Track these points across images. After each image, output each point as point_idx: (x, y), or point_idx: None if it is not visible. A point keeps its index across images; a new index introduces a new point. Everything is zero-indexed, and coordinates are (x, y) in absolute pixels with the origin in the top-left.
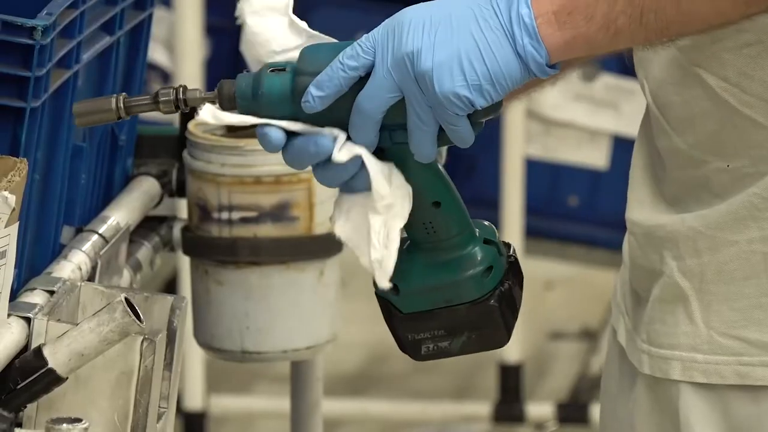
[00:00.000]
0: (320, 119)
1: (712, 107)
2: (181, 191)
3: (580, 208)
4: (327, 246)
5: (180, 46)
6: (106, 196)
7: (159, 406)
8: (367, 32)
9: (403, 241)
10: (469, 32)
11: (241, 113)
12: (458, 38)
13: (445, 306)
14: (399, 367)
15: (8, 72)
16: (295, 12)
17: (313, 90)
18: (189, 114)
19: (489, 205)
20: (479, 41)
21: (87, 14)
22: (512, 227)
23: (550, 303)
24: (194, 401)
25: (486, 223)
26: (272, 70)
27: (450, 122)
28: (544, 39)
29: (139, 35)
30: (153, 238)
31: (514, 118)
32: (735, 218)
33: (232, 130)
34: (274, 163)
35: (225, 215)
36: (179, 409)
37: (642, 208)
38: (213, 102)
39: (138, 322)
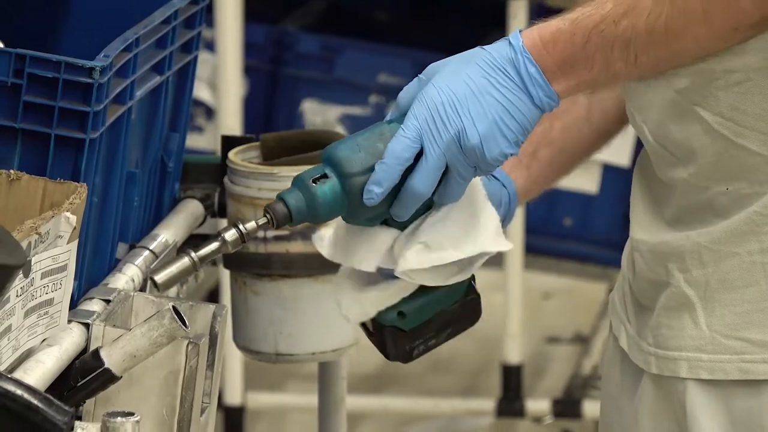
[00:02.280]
0: (371, 212)
1: (710, 140)
2: (222, 212)
3: (574, 228)
4: None
5: (221, 85)
6: (156, 217)
7: (202, 402)
8: (390, 75)
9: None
10: (495, 100)
11: (294, 225)
12: (489, 108)
13: (440, 311)
14: (414, 367)
15: (70, 107)
16: (321, 57)
17: (375, 188)
18: (230, 144)
19: None
20: (507, 105)
21: (140, 56)
22: (514, 244)
23: (548, 311)
24: (234, 397)
25: None
26: (314, 181)
27: (490, 172)
28: (554, 87)
29: (186, 75)
30: None
31: None
32: (737, 233)
33: (268, 158)
34: None
35: (261, 234)
36: (220, 404)
37: (645, 229)
38: (269, 224)
39: (184, 328)
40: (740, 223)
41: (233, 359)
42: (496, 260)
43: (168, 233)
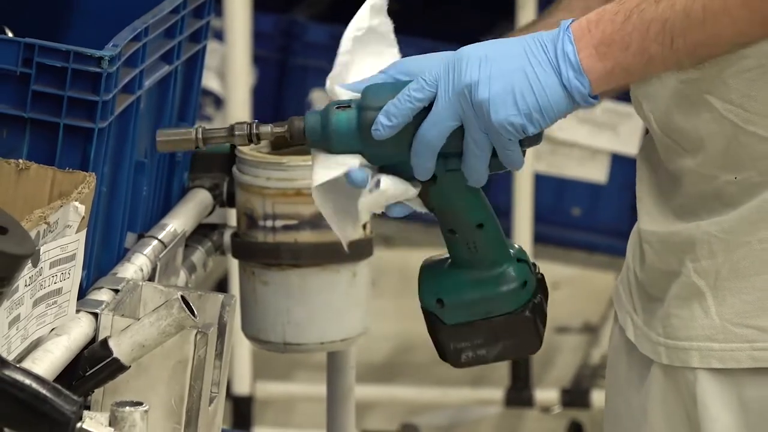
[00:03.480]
0: (383, 151)
1: (719, 128)
2: (231, 202)
3: (582, 218)
4: (359, 250)
5: (230, 75)
6: (164, 206)
7: (211, 391)
8: None
9: (444, 260)
10: (521, 67)
11: (311, 147)
12: (511, 72)
13: (485, 317)
14: (422, 357)
15: (79, 96)
16: (330, 46)
17: (382, 119)
18: None
19: (502, 214)
20: (529, 75)
21: (149, 46)
22: (522, 234)
23: (556, 301)
24: (242, 387)
25: (517, 245)
26: (338, 107)
27: (505, 147)
28: (587, 72)
29: (195, 65)
30: (206, 243)
31: None
32: (747, 222)
33: (277, 149)
34: None
35: (269, 223)
36: (229, 394)
37: (654, 220)
38: (283, 136)
39: (192, 317)
40: (751, 212)
41: (242, 349)
42: None
43: (177, 223)
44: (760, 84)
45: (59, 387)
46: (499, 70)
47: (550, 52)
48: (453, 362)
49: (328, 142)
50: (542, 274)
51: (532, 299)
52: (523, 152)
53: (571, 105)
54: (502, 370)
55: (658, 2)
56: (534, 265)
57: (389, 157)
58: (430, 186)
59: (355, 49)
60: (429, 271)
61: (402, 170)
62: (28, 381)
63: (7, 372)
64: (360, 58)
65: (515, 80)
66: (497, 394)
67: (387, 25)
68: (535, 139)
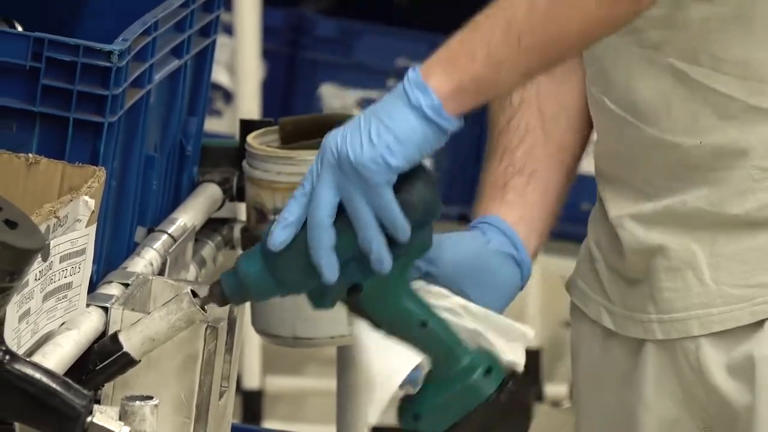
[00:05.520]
0: (295, 276)
1: (687, 91)
2: (240, 196)
3: None
4: None
5: (240, 69)
6: (174, 200)
7: (221, 386)
8: (408, 59)
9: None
10: (371, 110)
11: (235, 306)
12: (361, 118)
13: (464, 416)
14: None
15: (88, 91)
16: (339, 40)
17: (273, 225)
18: (248, 128)
19: None
20: (379, 111)
21: (158, 40)
22: None
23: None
24: (252, 381)
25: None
26: (243, 254)
27: (380, 206)
28: (436, 89)
29: (204, 59)
30: (216, 237)
31: None
32: (736, 192)
33: (287, 142)
34: None
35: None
36: (239, 388)
37: (623, 204)
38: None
39: (202, 312)
40: (730, 183)
41: (252, 343)
42: None
43: (186, 217)
44: (726, 45)
45: (69, 381)
46: (346, 125)
47: (398, 88)
48: None
49: (247, 293)
50: (515, 368)
51: (505, 384)
52: (421, 225)
53: (428, 126)
54: None
55: (503, 5)
56: (514, 372)
57: (304, 281)
58: (359, 299)
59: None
60: (403, 399)
61: (326, 291)
62: (38, 375)
63: (18, 366)
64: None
65: (365, 121)
66: None
67: None
68: (428, 213)
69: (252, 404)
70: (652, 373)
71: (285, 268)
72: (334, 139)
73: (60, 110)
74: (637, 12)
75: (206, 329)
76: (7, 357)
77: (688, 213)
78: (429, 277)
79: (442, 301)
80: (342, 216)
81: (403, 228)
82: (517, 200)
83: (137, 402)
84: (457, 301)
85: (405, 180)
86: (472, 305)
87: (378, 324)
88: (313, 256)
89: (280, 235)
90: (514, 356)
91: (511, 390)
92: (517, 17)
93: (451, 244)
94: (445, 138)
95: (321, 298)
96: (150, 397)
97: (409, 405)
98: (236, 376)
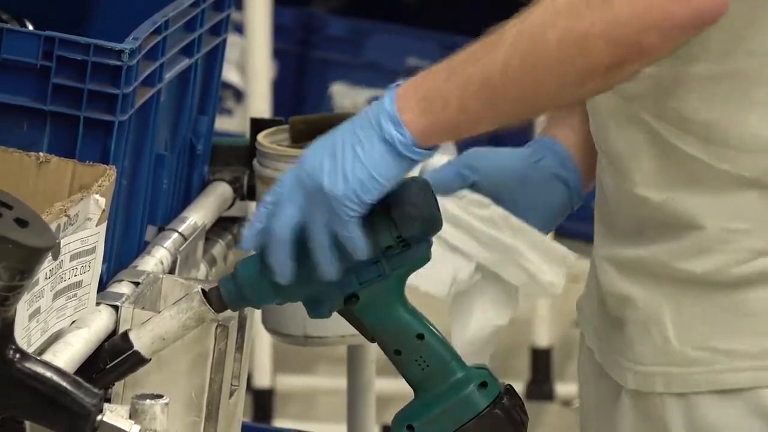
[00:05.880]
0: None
1: (653, 146)
2: (251, 195)
3: None
4: None
5: (250, 68)
6: (185, 199)
7: (231, 384)
8: (419, 58)
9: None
10: (342, 135)
11: (234, 311)
12: (334, 142)
13: (459, 427)
14: None
15: (99, 90)
16: (350, 40)
17: (243, 231)
18: (259, 126)
19: None
20: (350, 137)
21: (169, 39)
22: None
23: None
24: (263, 380)
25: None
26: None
27: (345, 237)
28: (408, 124)
29: (215, 58)
30: (226, 236)
31: None
32: (698, 251)
33: (297, 141)
34: None
35: None
36: (249, 387)
37: (604, 243)
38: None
39: (213, 311)
40: (693, 242)
41: (263, 342)
42: None
43: (197, 216)
44: (695, 105)
45: (80, 380)
46: (324, 144)
47: (372, 115)
48: None
49: (245, 298)
50: (511, 385)
51: (499, 399)
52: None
53: (400, 161)
54: (523, 363)
55: (480, 59)
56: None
57: (300, 289)
58: (355, 307)
59: None
60: (399, 412)
61: (322, 299)
62: (48, 373)
63: (28, 364)
64: None
65: (341, 149)
66: (518, 387)
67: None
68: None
69: (263, 403)
70: (629, 419)
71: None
72: (311, 162)
73: (71, 109)
74: (612, 86)
75: (217, 328)
76: (18, 355)
77: (656, 266)
78: (474, 187)
79: (483, 210)
80: None
81: (362, 251)
82: (572, 131)
83: (147, 401)
84: (499, 212)
85: (401, 193)
86: (513, 218)
87: (373, 335)
88: (271, 258)
89: (248, 241)
90: (553, 277)
91: (506, 405)
92: (492, 74)
93: (499, 157)
94: (414, 166)
95: (317, 306)
96: (160, 396)
97: (402, 416)
98: (247, 374)
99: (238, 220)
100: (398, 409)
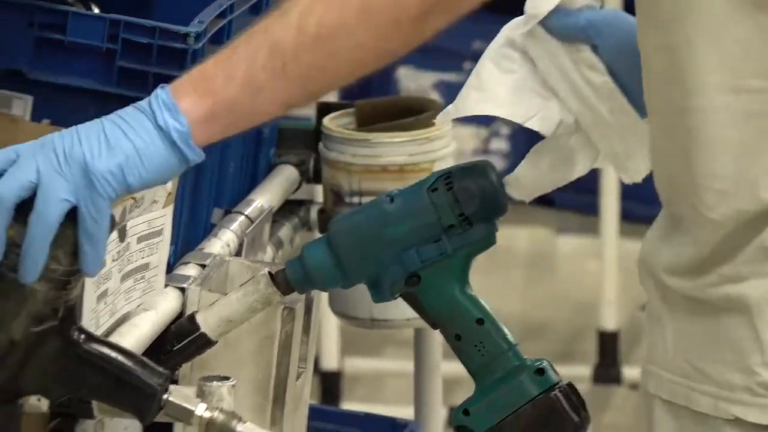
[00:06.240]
0: (358, 264)
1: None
2: (317, 178)
3: None
4: None
5: None
6: (251, 182)
7: (298, 367)
8: (484, 42)
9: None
10: (112, 120)
11: (300, 293)
12: (101, 125)
13: (512, 412)
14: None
15: (165, 73)
16: None
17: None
18: (325, 110)
19: (588, 191)
20: (120, 124)
21: (234, 22)
22: (609, 211)
23: None
24: (330, 362)
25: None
26: (308, 243)
27: (92, 209)
28: (186, 112)
29: None
30: (293, 219)
31: None
32: (701, 263)
33: (363, 125)
34: (399, 154)
35: (356, 199)
36: (317, 369)
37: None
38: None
39: (279, 293)
40: (708, 253)
41: (330, 324)
42: (592, 227)
43: (263, 198)
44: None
45: (145, 359)
46: (88, 127)
47: (144, 104)
48: None
49: (311, 281)
50: (572, 383)
51: (557, 386)
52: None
53: (171, 150)
54: (590, 346)
55: (270, 27)
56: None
57: (363, 270)
58: (418, 289)
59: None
60: (460, 404)
61: (383, 278)
62: (113, 353)
63: (95, 345)
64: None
65: (102, 130)
66: (585, 371)
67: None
68: None
69: (330, 385)
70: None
71: (347, 256)
72: (69, 136)
73: (136, 92)
74: (410, 46)
75: (283, 311)
76: (83, 336)
77: (657, 268)
78: (594, 50)
79: (595, 75)
80: (397, 203)
81: (95, 268)
82: None
83: (214, 382)
84: (610, 85)
85: (464, 172)
86: (621, 97)
87: (434, 319)
88: (29, 252)
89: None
90: (639, 165)
91: (564, 392)
92: (284, 40)
93: (622, 22)
94: (183, 169)
95: (379, 288)
96: (227, 378)
97: (462, 404)
98: (314, 357)
99: (304, 203)
100: (465, 391)
